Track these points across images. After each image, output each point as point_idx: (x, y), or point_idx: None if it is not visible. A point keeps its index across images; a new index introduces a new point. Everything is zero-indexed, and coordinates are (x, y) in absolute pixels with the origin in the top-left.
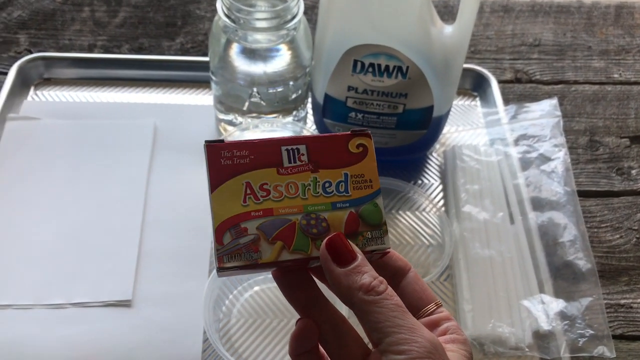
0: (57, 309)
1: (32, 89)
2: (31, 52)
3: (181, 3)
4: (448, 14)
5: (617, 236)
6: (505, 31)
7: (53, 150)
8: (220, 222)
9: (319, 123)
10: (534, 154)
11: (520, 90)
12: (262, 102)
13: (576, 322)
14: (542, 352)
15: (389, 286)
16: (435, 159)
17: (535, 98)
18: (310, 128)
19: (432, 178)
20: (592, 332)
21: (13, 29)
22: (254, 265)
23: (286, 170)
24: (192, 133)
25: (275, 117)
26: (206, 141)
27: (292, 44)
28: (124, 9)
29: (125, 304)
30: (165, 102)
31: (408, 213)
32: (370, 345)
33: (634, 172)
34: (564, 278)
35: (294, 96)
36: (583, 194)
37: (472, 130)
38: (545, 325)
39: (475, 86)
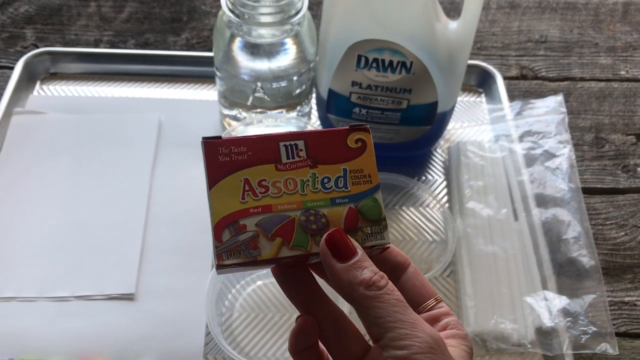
0: (61, 301)
1: (38, 83)
2: (37, 47)
3: None
4: (454, 10)
5: (622, 233)
6: (512, 27)
7: (58, 144)
8: (219, 219)
9: (323, 118)
10: (538, 151)
11: (526, 87)
12: (265, 97)
13: (579, 319)
14: (544, 348)
15: (389, 281)
16: (439, 155)
17: (541, 95)
18: (314, 123)
19: (436, 174)
20: (595, 329)
21: (20, 24)
22: (254, 262)
23: (285, 166)
24: (197, 128)
25: (279, 112)
26: (203, 137)
27: (296, 39)
28: (130, 4)
29: (128, 297)
30: (170, 97)
31: (412, 209)
32: (370, 341)
33: (639, 169)
34: (567, 275)
35: (298, 91)
36: (588, 191)
37: (477, 126)
38: (548, 322)
39: (481, 82)
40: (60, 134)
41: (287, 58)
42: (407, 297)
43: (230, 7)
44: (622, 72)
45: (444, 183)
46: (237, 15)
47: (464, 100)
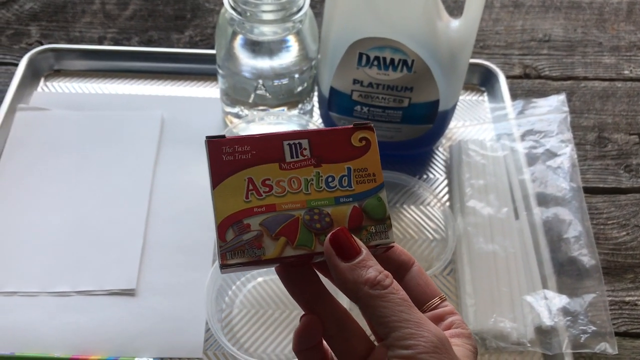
0: (62, 296)
1: (42, 80)
2: (42, 44)
3: None
4: (458, 9)
5: (624, 233)
6: (515, 26)
7: (61, 140)
8: (223, 218)
9: (324, 116)
10: (540, 150)
11: (529, 86)
12: (267, 94)
13: (579, 318)
14: (544, 347)
15: (394, 280)
16: (441, 153)
17: (544, 94)
18: (316, 121)
19: (437, 173)
20: (594, 328)
21: (25, 21)
22: (258, 262)
23: (288, 165)
24: (199, 125)
25: (281, 110)
26: (207, 137)
27: (298, 37)
28: (134, 2)
29: (129, 292)
30: (173, 95)
31: (412, 207)
32: (374, 340)
33: None
34: (567, 274)
35: (299, 89)
36: (590, 191)
37: (479, 125)
38: (547, 321)
39: (483, 81)
40: (64, 131)
41: (288, 56)
42: (411, 296)
43: (233, 4)
44: (626, 72)
45: (445, 182)
46: (239, 13)
47: (466, 99)
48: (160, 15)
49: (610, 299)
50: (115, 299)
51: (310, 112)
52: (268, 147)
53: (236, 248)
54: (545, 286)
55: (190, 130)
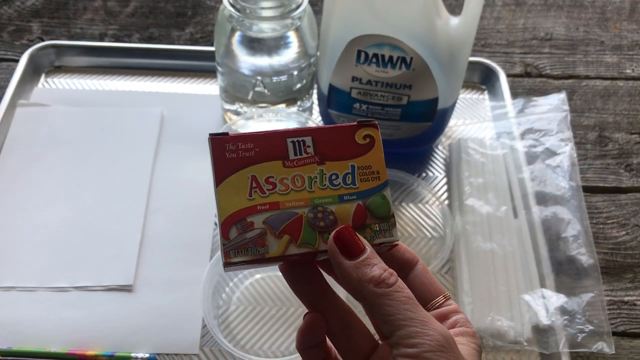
0: (60, 292)
1: (43, 76)
2: (43, 40)
3: None
4: (460, 7)
5: (623, 233)
6: (517, 25)
7: (61, 136)
8: (226, 216)
9: (324, 114)
10: (539, 148)
11: (530, 85)
12: (266, 91)
13: (576, 318)
14: (541, 346)
15: (399, 278)
16: (441, 151)
17: (545, 92)
18: (315, 119)
19: (437, 171)
20: (591, 327)
21: (26, 17)
22: (261, 260)
23: (292, 162)
24: (198, 122)
25: (279, 106)
26: (210, 134)
27: (297, 34)
28: None
29: (126, 288)
30: (173, 92)
31: (411, 205)
32: (377, 338)
33: None
34: (565, 273)
35: (298, 86)
36: (590, 190)
37: (479, 123)
38: (544, 320)
39: (484, 79)
40: (63, 127)
41: (287, 52)
42: (415, 295)
43: (232, 1)
44: (628, 71)
45: (445, 180)
46: (238, 10)
47: (467, 97)
48: (161, 12)
49: (608, 298)
50: (112, 294)
51: (309, 110)
52: (271, 144)
53: (240, 246)
54: (543, 285)
55: (190, 127)
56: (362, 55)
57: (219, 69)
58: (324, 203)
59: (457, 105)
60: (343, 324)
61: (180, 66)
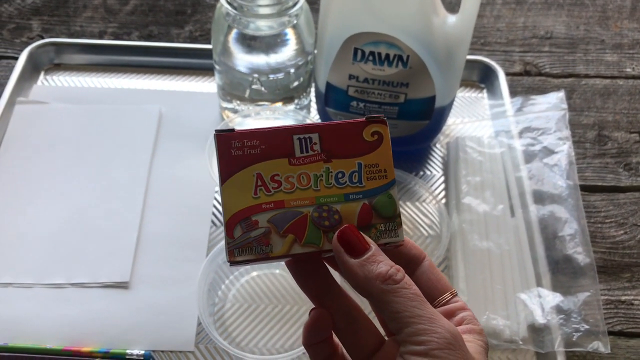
0: (57, 288)
1: (42, 73)
2: (43, 38)
3: None
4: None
5: (622, 232)
6: (517, 23)
7: (59, 133)
8: (231, 215)
9: (321, 112)
10: (537, 147)
11: (529, 83)
12: (263, 89)
13: (572, 317)
14: (536, 345)
15: (406, 275)
16: (439, 150)
17: (544, 91)
18: (313, 117)
19: (434, 169)
20: (587, 327)
21: (26, 15)
22: (265, 259)
23: (298, 160)
24: (196, 120)
25: (276, 104)
26: (216, 130)
27: (293, 31)
28: None
29: (122, 285)
30: (172, 89)
31: (408, 203)
32: (384, 334)
33: None
34: (562, 272)
35: (295, 84)
36: (588, 189)
37: (478, 122)
38: (540, 319)
39: (483, 78)
40: (62, 124)
41: (284, 50)
42: (422, 291)
43: None
44: (628, 70)
45: (442, 178)
46: (235, 8)
47: (466, 96)
48: (160, 10)
49: (605, 297)
50: (109, 291)
51: (307, 108)
52: (278, 141)
53: (244, 245)
54: (539, 284)
55: (188, 124)
56: (359, 53)
57: (216, 67)
58: (330, 202)
59: (455, 103)
60: (349, 320)
61: (178, 64)
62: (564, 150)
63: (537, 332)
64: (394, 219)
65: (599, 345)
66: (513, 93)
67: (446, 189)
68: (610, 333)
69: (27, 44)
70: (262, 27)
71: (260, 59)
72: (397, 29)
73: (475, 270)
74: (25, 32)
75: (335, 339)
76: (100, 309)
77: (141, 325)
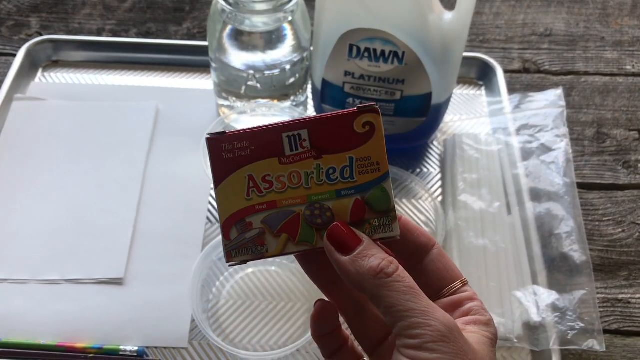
0: (52, 284)
1: (40, 70)
2: (41, 35)
3: None
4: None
5: (619, 230)
6: (516, 21)
7: (56, 130)
8: (227, 217)
9: (318, 109)
10: (535, 144)
11: (528, 81)
12: (258, 86)
13: (567, 315)
14: (531, 343)
15: (400, 267)
16: (436, 147)
17: (543, 88)
18: (310, 114)
19: (431, 167)
20: (582, 325)
21: (25, 12)
22: (261, 258)
23: (288, 159)
24: (193, 117)
25: (272, 101)
26: (207, 134)
27: (289, 28)
28: None
29: (117, 281)
30: (169, 86)
31: (404, 201)
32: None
33: None
34: (558, 270)
35: (291, 81)
36: (587, 187)
37: (476, 119)
38: (535, 317)
39: (481, 75)
40: (59, 121)
41: (280, 46)
42: (429, 281)
43: None
44: (628, 67)
45: (439, 176)
46: (230, 4)
47: (464, 93)
48: (159, 8)
49: (602, 296)
50: (103, 287)
51: (304, 105)
52: (267, 141)
53: (240, 246)
54: (535, 282)
55: (184, 121)
56: (354, 50)
57: (212, 64)
58: (321, 199)
59: (453, 100)
60: (357, 309)
61: (175, 61)
62: (562, 148)
63: (533, 330)
64: (388, 213)
65: (594, 344)
66: (511, 90)
67: (443, 186)
68: (606, 331)
69: (26, 41)
70: (258, 23)
71: (255, 56)
72: (393, 25)
73: (470, 267)
74: (23, 29)
75: (344, 331)
76: (94, 305)
77: (135, 322)
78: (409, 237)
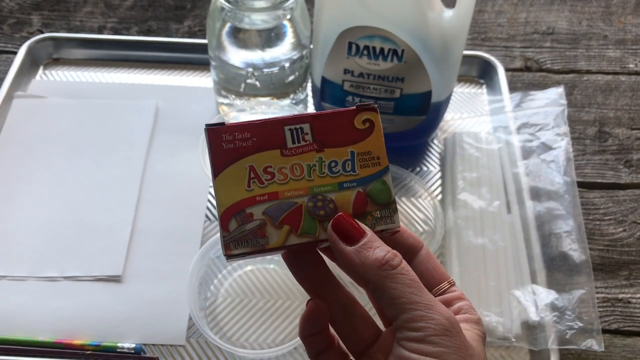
0: (50, 281)
1: (41, 68)
2: (43, 33)
3: None
4: None
5: (620, 229)
6: (518, 19)
7: (56, 128)
8: (225, 208)
9: (317, 106)
10: (535, 143)
11: (530, 79)
12: (257, 83)
13: (566, 314)
14: (530, 343)
15: (403, 260)
16: (436, 145)
17: (544, 87)
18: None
19: (431, 165)
20: (581, 324)
21: (27, 10)
22: (262, 251)
23: (290, 151)
24: (193, 114)
25: (272, 99)
26: (206, 125)
27: (288, 25)
28: None
29: (115, 279)
30: (169, 84)
31: (403, 199)
32: (381, 326)
33: None
34: (557, 269)
35: (290, 79)
36: (588, 186)
37: (477, 117)
38: (534, 316)
39: (482, 73)
40: (59, 118)
41: (279, 45)
42: None
43: None
44: (631, 66)
45: (439, 174)
46: (229, 2)
47: (465, 91)
48: (160, 5)
49: (602, 295)
50: (101, 285)
51: (304, 102)
52: (269, 133)
53: (240, 238)
54: (534, 281)
55: (184, 119)
56: (353, 48)
57: (212, 62)
58: (324, 191)
59: (454, 99)
60: (346, 312)
61: (176, 59)
62: (562, 147)
63: (531, 329)
64: (389, 205)
65: (593, 343)
66: (513, 89)
67: (442, 184)
68: (606, 331)
69: (27, 38)
70: (257, 21)
71: (254, 54)
72: (391, 22)
73: (469, 266)
74: (25, 27)
75: (332, 331)
76: (92, 303)
77: (133, 319)
78: (398, 238)
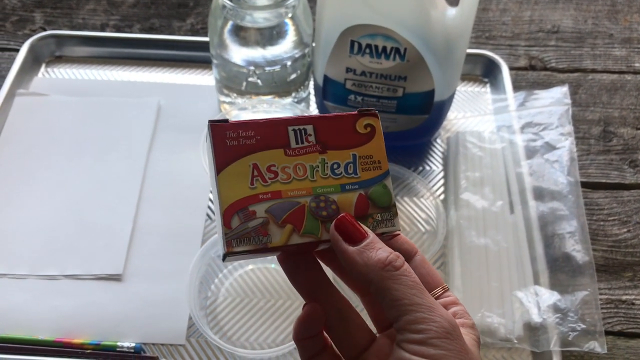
0: (51, 280)
1: (43, 66)
2: (45, 30)
3: None
4: None
5: (625, 230)
6: (523, 17)
7: (59, 125)
8: (228, 205)
9: (320, 105)
10: (539, 142)
11: (534, 78)
12: (259, 82)
13: (568, 316)
14: (532, 344)
15: (405, 262)
16: (439, 145)
17: (549, 86)
18: (312, 111)
19: (434, 164)
20: (584, 326)
21: (30, 8)
22: (264, 250)
23: (293, 151)
24: (195, 113)
25: (273, 97)
26: (210, 121)
27: (290, 23)
28: None
29: (115, 278)
30: (171, 82)
31: (406, 199)
32: (375, 331)
33: None
34: (560, 270)
35: (292, 77)
36: (592, 186)
37: (480, 116)
38: (536, 318)
39: (486, 72)
40: (61, 116)
41: (280, 43)
42: None
43: None
44: (637, 65)
45: (442, 174)
46: (231, 0)
47: (469, 90)
48: (162, 3)
49: (606, 297)
50: (101, 283)
51: (306, 101)
52: (273, 132)
53: (242, 235)
54: (537, 282)
55: (186, 117)
56: (356, 46)
57: (214, 60)
58: (326, 192)
59: (458, 98)
60: (341, 317)
61: (178, 57)
62: (566, 146)
63: (533, 331)
64: (389, 208)
65: (596, 345)
66: (517, 88)
67: (445, 184)
68: (609, 333)
69: (29, 36)
70: (259, 19)
71: (256, 52)
72: (394, 21)
73: (471, 267)
74: (27, 25)
75: (326, 335)
76: (92, 301)
77: (133, 318)
78: (393, 244)
